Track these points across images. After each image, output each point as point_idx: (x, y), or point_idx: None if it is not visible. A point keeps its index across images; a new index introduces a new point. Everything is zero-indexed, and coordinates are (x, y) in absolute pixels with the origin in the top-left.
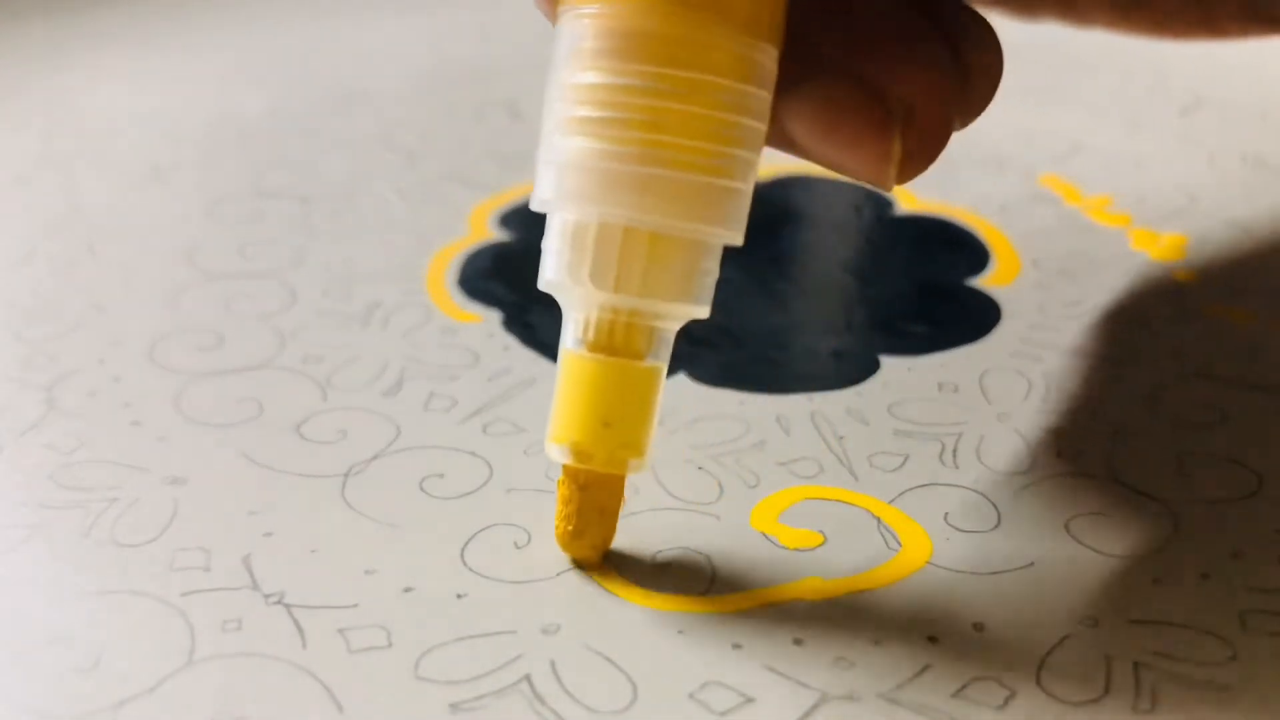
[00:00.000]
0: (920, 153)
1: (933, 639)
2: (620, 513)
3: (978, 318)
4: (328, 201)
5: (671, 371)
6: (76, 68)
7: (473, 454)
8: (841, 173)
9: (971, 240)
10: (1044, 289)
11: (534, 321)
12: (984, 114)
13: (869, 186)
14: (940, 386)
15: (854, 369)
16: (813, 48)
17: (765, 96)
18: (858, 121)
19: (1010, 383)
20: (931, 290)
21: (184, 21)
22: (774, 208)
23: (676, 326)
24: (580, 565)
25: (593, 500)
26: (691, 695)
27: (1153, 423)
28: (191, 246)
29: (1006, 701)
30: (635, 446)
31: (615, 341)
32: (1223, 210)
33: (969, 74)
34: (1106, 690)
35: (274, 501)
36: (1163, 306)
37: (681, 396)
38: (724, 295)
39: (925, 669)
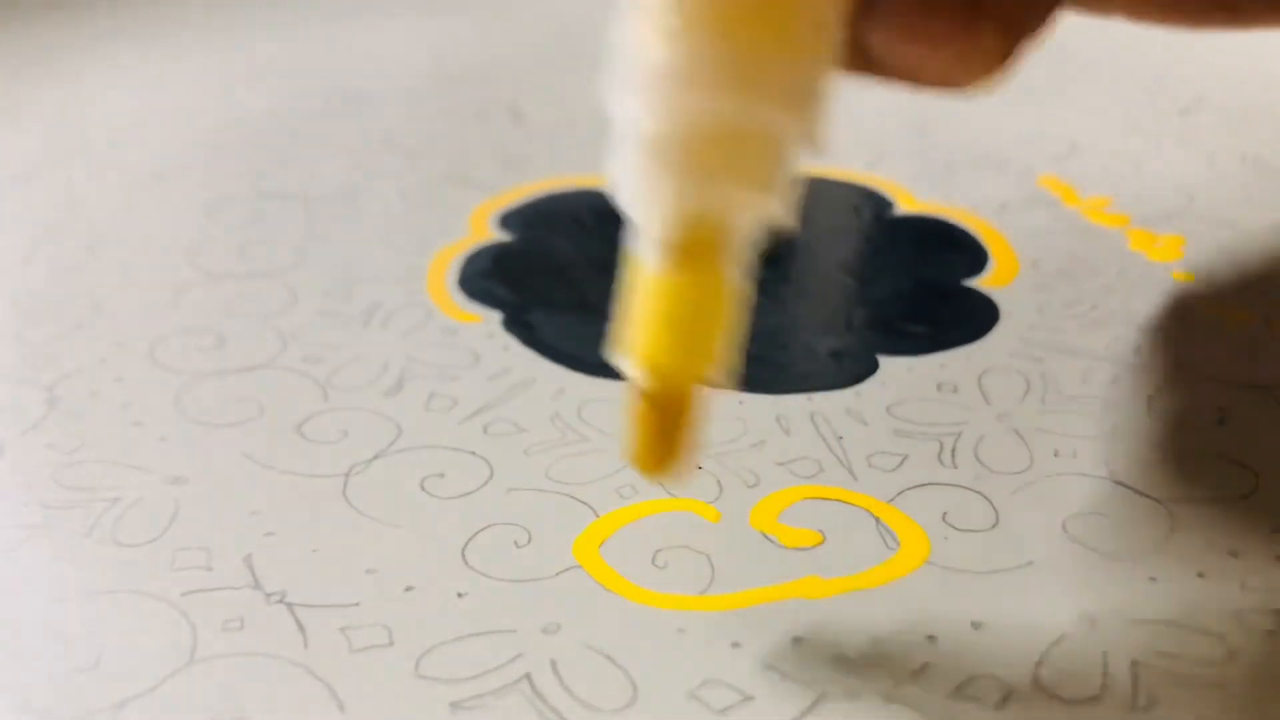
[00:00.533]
0: (1011, 46)
1: (931, 637)
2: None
3: (976, 318)
4: (329, 202)
5: None
6: (78, 69)
7: (473, 454)
8: (923, 84)
9: (970, 241)
10: (1042, 289)
11: (534, 322)
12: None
13: (949, 92)
14: (939, 386)
15: (853, 369)
16: None
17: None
18: (942, 16)
19: (1009, 383)
20: (930, 291)
21: (185, 23)
22: None
23: (756, 229)
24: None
25: (672, 415)
26: (691, 693)
27: (1150, 422)
28: (192, 247)
29: (1004, 699)
30: (711, 361)
31: (692, 245)
32: (1221, 211)
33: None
34: (1104, 688)
35: (275, 501)
36: (1161, 307)
37: None
38: None
39: (924, 667)
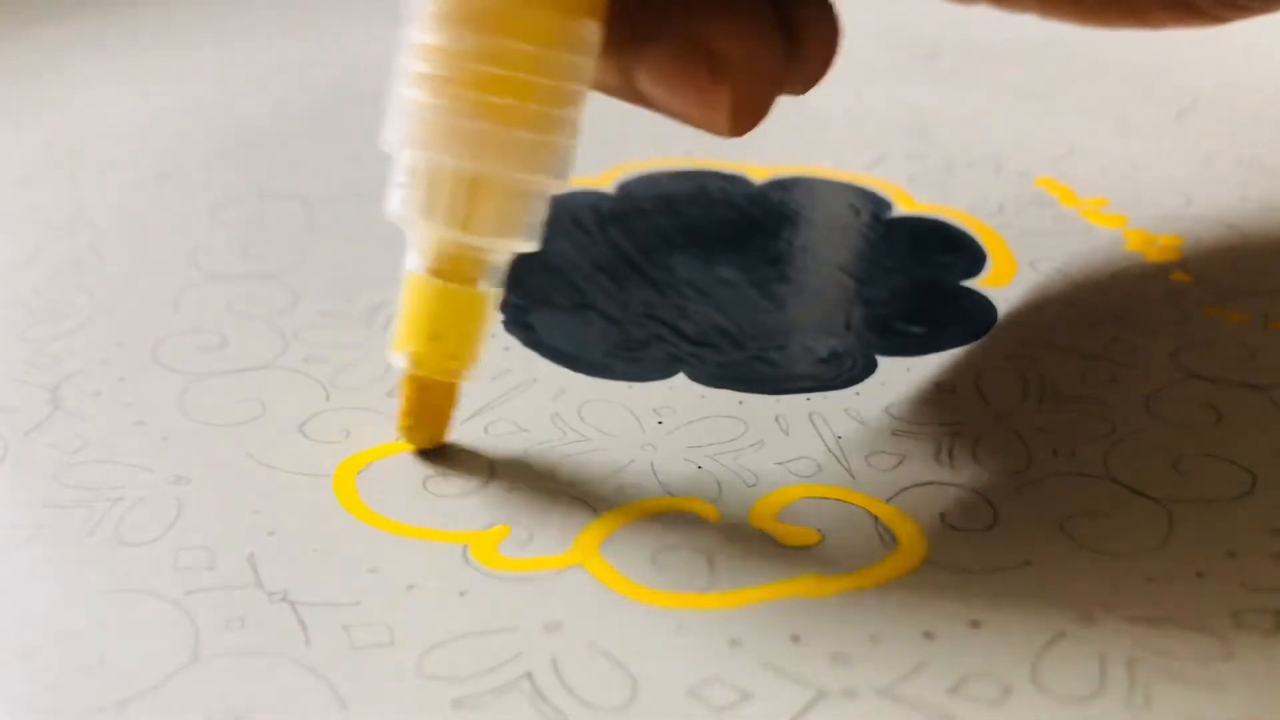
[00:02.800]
0: (748, 104)
1: (929, 636)
2: (452, 415)
3: (975, 319)
4: (330, 203)
5: (671, 372)
6: (81, 71)
7: (475, 453)
8: (686, 123)
9: (968, 242)
10: (1040, 290)
11: (534, 323)
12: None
13: (713, 134)
14: (937, 387)
15: (852, 369)
16: (659, 12)
17: (584, 62)
18: (692, 75)
19: (1007, 383)
20: (929, 291)
21: (188, 25)
22: (772, 209)
23: (505, 258)
24: (420, 452)
25: (428, 401)
26: (691, 691)
27: (1148, 422)
28: (195, 248)
29: (1002, 698)
30: (461, 358)
31: (448, 269)
32: (1219, 212)
33: (801, 39)
34: (1101, 687)
35: (277, 500)
36: (1159, 308)
37: (681, 396)
38: (723, 296)
39: (922, 665)
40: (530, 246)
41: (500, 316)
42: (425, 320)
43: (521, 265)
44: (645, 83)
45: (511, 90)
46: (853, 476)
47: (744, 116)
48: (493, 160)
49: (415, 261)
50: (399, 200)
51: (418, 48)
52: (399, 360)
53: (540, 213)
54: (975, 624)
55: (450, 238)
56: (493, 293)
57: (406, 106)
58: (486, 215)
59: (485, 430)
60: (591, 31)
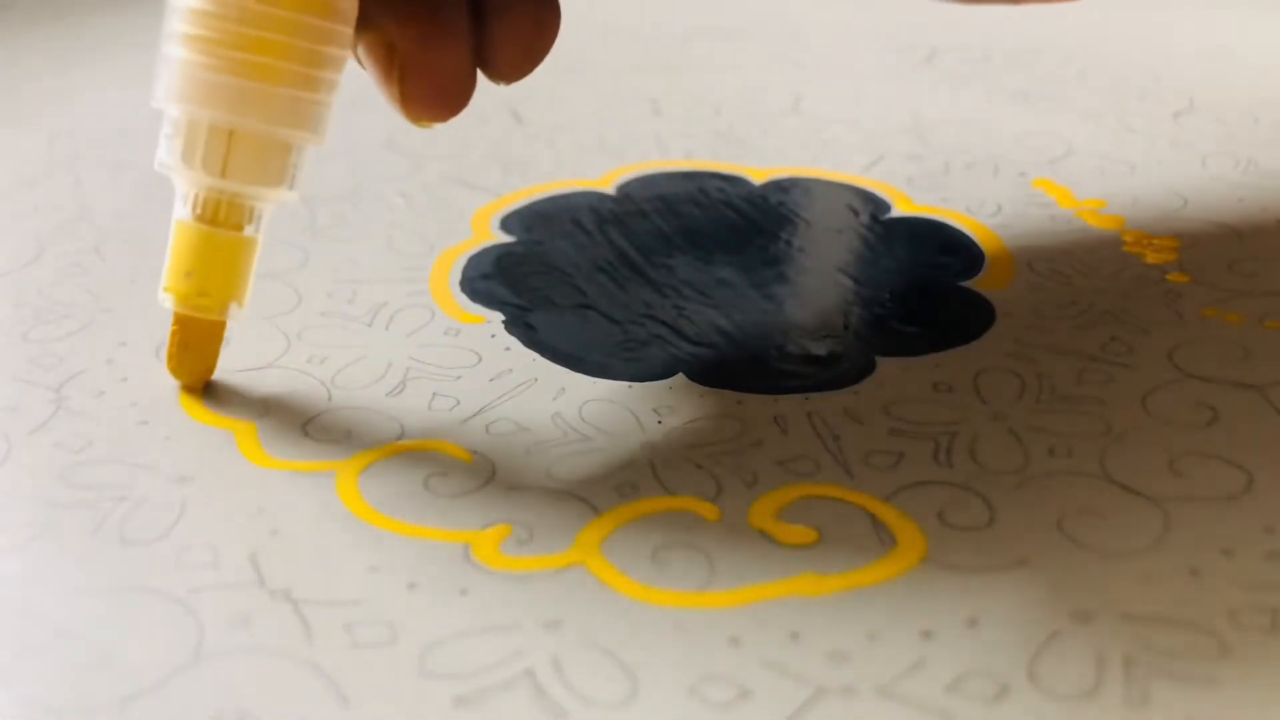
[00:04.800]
0: (419, 95)
1: (927, 634)
2: (219, 353)
3: (972, 319)
4: (332, 204)
5: (670, 372)
6: (84, 71)
7: (475, 453)
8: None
9: (966, 243)
10: (1038, 291)
11: (535, 323)
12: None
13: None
14: (935, 386)
15: (850, 369)
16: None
17: (338, 29)
18: (377, 65)
19: (1004, 383)
20: (927, 292)
21: None
22: (771, 210)
23: (264, 206)
24: (186, 389)
25: (190, 337)
26: (690, 689)
27: (1145, 422)
28: None
29: (1000, 695)
30: (213, 296)
31: (209, 214)
32: (1215, 213)
33: (494, 37)
34: (1098, 685)
35: (280, 500)
36: (1155, 308)
37: (680, 396)
38: (722, 296)
39: (920, 663)
40: (286, 196)
41: (500, 316)
42: (181, 260)
43: (522, 266)
44: (363, 63)
45: (267, 50)
46: (851, 476)
47: (417, 106)
48: (248, 114)
49: (180, 209)
50: (164, 150)
51: (183, 10)
52: (164, 300)
53: (296, 164)
54: (973, 622)
55: (209, 183)
56: (251, 238)
57: (172, 64)
58: (243, 164)
59: (486, 430)
60: (346, 2)
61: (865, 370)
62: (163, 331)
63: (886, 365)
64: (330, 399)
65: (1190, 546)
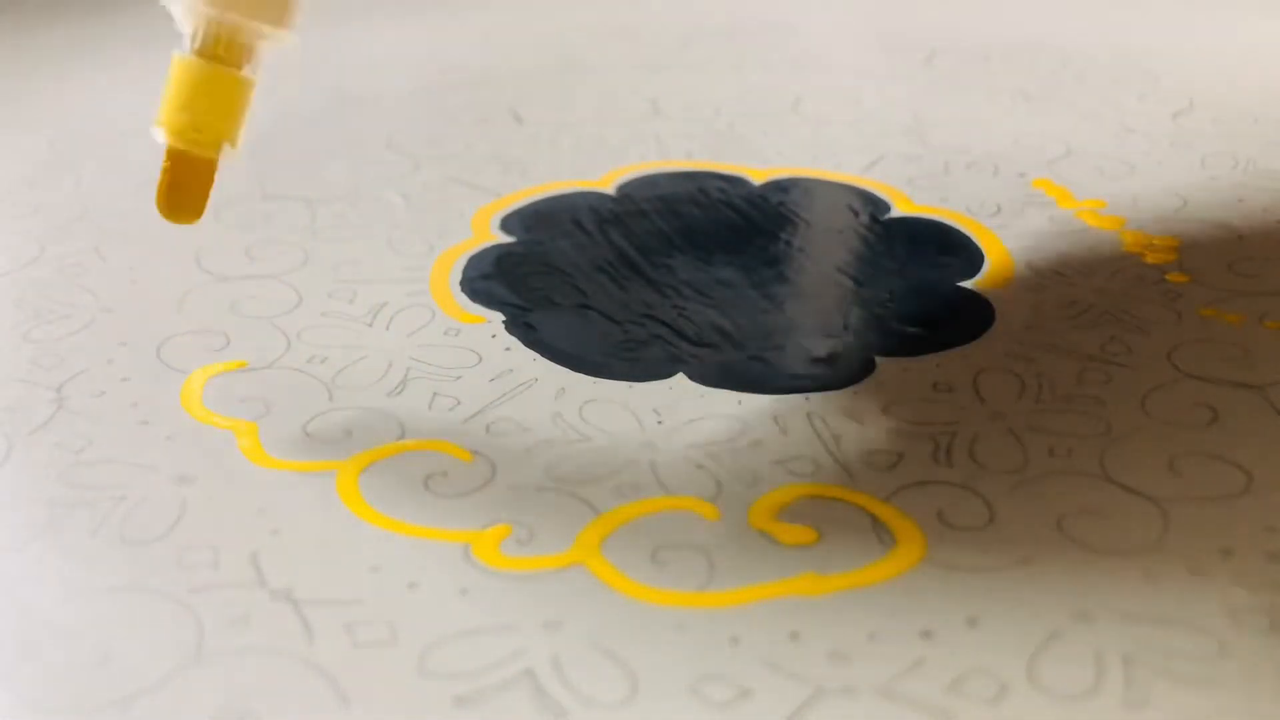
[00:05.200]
0: None
1: (927, 633)
2: (209, 194)
3: (972, 319)
4: (332, 204)
5: (670, 372)
6: (85, 72)
7: (476, 453)
8: None
9: (966, 243)
10: (1037, 291)
11: (535, 323)
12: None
13: None
14: (935, 386)
15: (850, 370)
16: None
17: None
18: None
19: (1004, 383)
20: (927, 292)
21: None
22: (771, 210)
23: (263, 45)
24: (176, 223)
25: (182, 175)
26: (690, 688)
27: (1144, 422)
28: (198, 248)
29: (999, 695)
30: (205, 131)
31: (207, 49)
32: (1215, 213)
33: None
34: (1098, 684)
35: (280, 499)
36: (1155, 308)
37: (681, 396)
38: (722, 296)
39: (919, 663)
40: (286, 36)
41: (500, 316)
42: (178, 94)
43: (523, 266)
44: None
45: None
46: (851, 476)
47: None
48: None
49: (183, 45)
50: None
51: None
52: (158, 134)
53: (295, 5)
54: (972, 622)
55: (210, 15)
56: (248, 79)
57: None
58: (253, 2)
59: (487, 429)
60: None
61: (865, 370)
62: (163, 332)
63: (886, 365)
64: (331, 399)
65: (1190, 546)
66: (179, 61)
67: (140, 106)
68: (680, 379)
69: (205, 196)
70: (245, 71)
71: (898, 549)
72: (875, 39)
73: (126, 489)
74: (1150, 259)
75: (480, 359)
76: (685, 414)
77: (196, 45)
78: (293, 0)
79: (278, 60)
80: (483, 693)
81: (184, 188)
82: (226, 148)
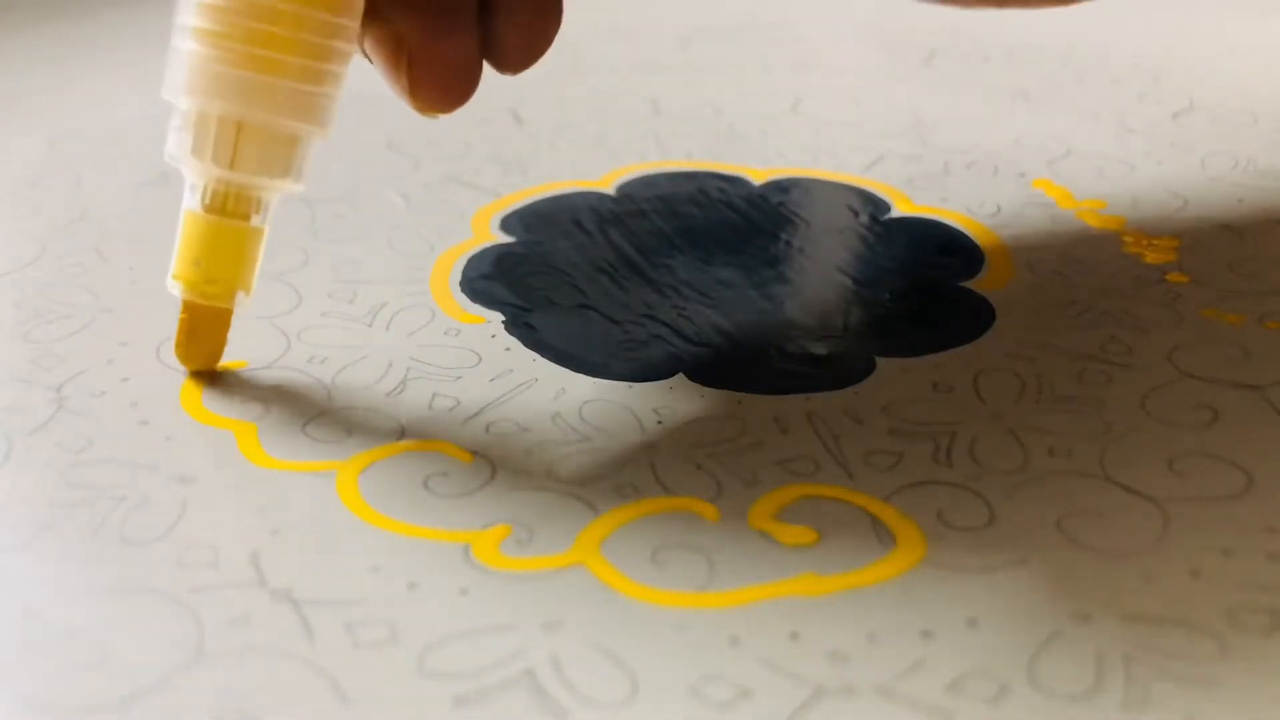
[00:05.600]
0: (428, 85)
1: (927, 634)
2: (226, 340)
3: (972, 319)
4: (332, 204)
5: (670, 372)
6: (84, 72)
7: (476, 453)
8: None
9: (966, 243)
10: (1037, 291)
11: (535, 323)
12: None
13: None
14: (935, 387)
15: (850, 370)
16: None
17: (344, 23)
18: (383, 57)
19: (1004, 383)
20: (926, 292)
21: None
22: (771, 210)
23: (271, 196)
24: (192, 377)
25: (198, 324)
26: (691, 688)
27: (1144, 422)
28: None
29: (999, 695)
30: (220, 284)
31: (218, 204)
32: (1215, 213)
33: (499, 28)
34: (1098, 685)
35: (280, 500)
36: (1155, 308)
37: (680, 396)
38: (722, 297)
39: (919, 663)
40: (294, 186)
41: (500, 316)
42: (190, 249)
43: (522, 266)
44: (369, 57)
45: (275, 44)
46: (851, 476)
47: (426, 95)
48: (256, 106)
49: (189, 199)
50: (177, 144)
51: (194, 4)
52: (172, 287)
53: (302, 156)
54: (973, 622)
55: (218, 175)
56: (258, 229)
57: (183, 57)
58: (251, 156)
59: (486, 430)
60: None
61: (865, 370)
62: (163, 331)
63: (886, 365)
64: (331, 399)
65: (1190, 547)
66: (190, 216)
67: (141, 107)
68: (680, 379)
69: (223, 344)
70: (255, 221)
71: (898, 549)
72: (875, 39)
73: (126, 489)
74: (1150, 259)
75: (480, 359)
76: (685, 414)
77: (205, 202)
78: (300, 154)
79: None
80: (483, 693)
81: (201, 336)
82: (240, 295)
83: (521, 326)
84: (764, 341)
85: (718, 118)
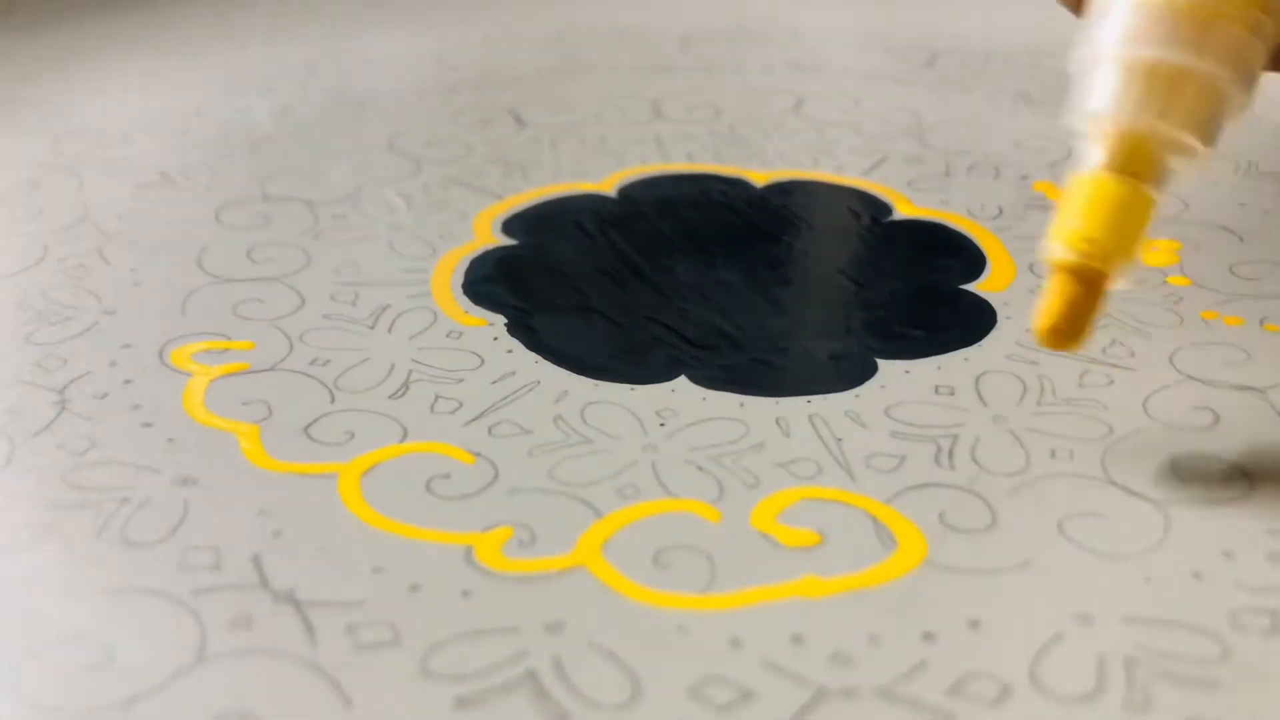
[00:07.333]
0: None
1: (928, 636)
2: (1094, 318)
3: (974, 321)
4: (335, 206)
5: (672, 374)
6: (87, 74)
7: (478, 455)
8: None
9: (967, 245)
10: (1039, 293)
11: (537, 325)
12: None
13: None
14: (936, 389)
15: (852, 372)
16: None
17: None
18: None
19: (1005, 385)
20: (928, 294)
21: (193, 28)
22: (773, 213)
23: (1178, 162)
24: (1058, 349)
25: (1071, 298)
26: (692, 690)
27: (1146, 424)
28: (200, 250)
29: (1001, 697)
30: (1105, 246)
31: (1127, 162)
32: (1216, 216)
33: None
34: (1099, 687)
35: (283, 501)
36: (1156, 311)
37: (682, 399)
38: (724, 299)
39: (921, 665)
40: (1208, 150)
41: (502, 318)
42: (1101, 208)
43: (524, 269)
44: None
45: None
46: (852, 478)
47: None
48: (1201, 58)
49: (1095, 156)
50: (1097, 89)
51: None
52: (1055, 250)
53: (1222, 120)
54: (974, 624)
55: (1146, 125)
56: (1155, 197)
57: (1125, 12)
58: (1185, 108)
59: (489, 432)
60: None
61: (867, 372)
62: (163, 333)
63: (888, 367)
64: (333, 401)
65: (1192, 549)
66: (1092, 177)
67: (144, 109)
68: (682, 381)
69: (1093, 318)
70: (1148, 188)
71: (899, 551)
72: (877, 42)
73: (129, 491)
74: (1152, 262)
75: (482, 361)
76: (687, 416)
77: (1114, 159)
78: (1220, 118)
79: (280, 62)
80: (484, 695)
81: (1076, 311)
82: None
83: (524, 329)
84: (766, 344)
85: (719, 120)
